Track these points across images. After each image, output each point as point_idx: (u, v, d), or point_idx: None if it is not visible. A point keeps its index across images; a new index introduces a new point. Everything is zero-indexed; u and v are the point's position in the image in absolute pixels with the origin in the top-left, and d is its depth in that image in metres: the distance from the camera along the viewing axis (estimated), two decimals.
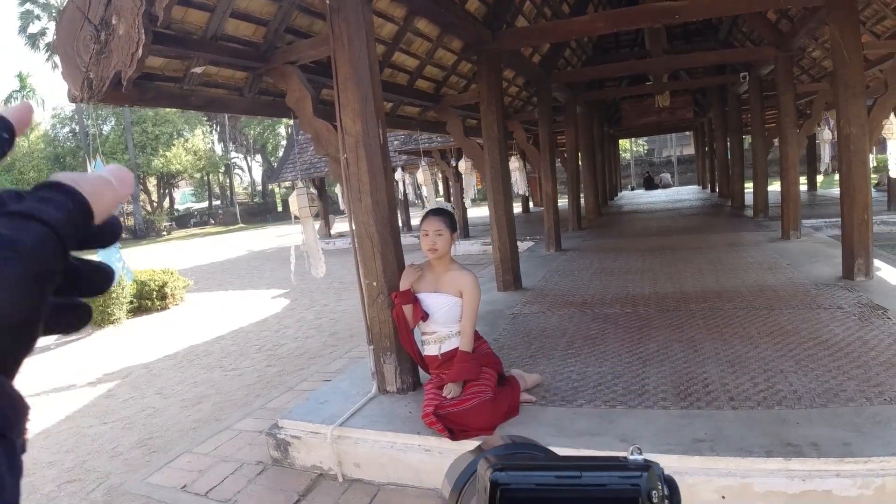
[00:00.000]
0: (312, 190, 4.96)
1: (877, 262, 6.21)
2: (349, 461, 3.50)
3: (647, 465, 0.42)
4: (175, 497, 3.63)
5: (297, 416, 3.79)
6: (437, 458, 3.24)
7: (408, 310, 3.55)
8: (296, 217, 4.80)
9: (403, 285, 3.60)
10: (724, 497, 2.86)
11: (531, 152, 10.13)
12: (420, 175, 7.55)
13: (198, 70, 3.75)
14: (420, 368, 3.85)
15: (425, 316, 3.53)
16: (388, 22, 5.43)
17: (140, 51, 2.90)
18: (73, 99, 3.50)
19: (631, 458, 0.43)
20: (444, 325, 3.53)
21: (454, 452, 3.22)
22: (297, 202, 4.70)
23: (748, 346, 4.33)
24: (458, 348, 3.47)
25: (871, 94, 8.30)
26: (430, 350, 3.57)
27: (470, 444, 3.18)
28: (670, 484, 0.43)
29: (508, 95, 10.15)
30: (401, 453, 3.34)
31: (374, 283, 3.77)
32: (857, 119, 5.70)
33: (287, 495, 3.42)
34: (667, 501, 0.42)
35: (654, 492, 0.41)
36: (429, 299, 3.55)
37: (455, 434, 3.18)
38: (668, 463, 2.92)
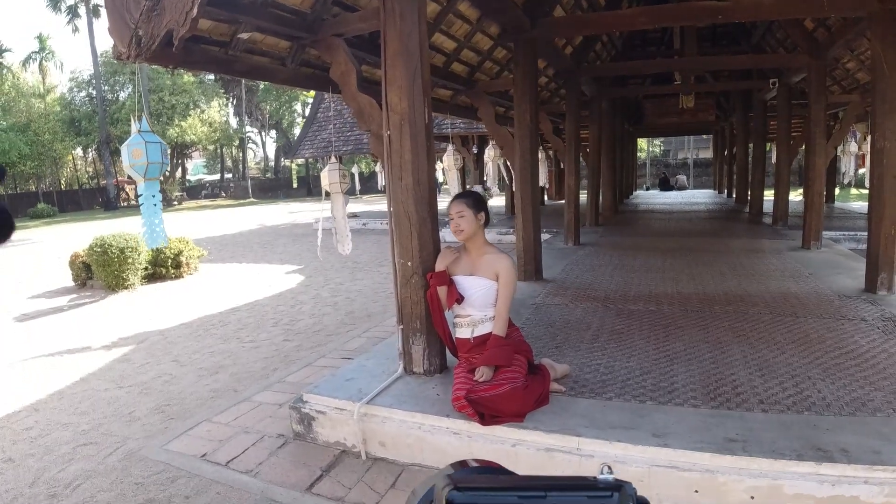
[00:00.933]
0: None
1: None
2: (374, 439, 3.49)
3: (619, 485, 0.39)
4: (195, 465, 3.62)
5: (322, 391, 3.79)
6: (465, 441, 3.24)
7: (442, 291, 3.54)
8: (326, 192, 4.79)
9: (439, 266, 3.58)
10: (752, 497, 2.85)
11: (557, 144, 10.05)
12: (446, 160, 7.51)
13: (244, 36, 3.71)
14: (448, 352, 3.84)
15: (460, 298, 3.52)
16: (431, 1, 5.38)
17: (195, 9, 2.87)
18: (118, 56, 3.47)
19: (601, 477, 0.40)
20: (479, 308, 3.51)
21: (483, 437, 3.22)
22: (328, 177, 4.68)
23: (775, 351, 4.31)
24: (490, 333, 3.45)
25: None
26: (462, 333, 3.56)
27: (499, 431, 3.20)
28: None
29: (538, 85, 10.09)
30: (428, 435, 3.33)
31: (409, 263, 3.75)
32: (893, 134, 5.64)
33: (310, 470, 3.42)
34: None
35: None
36: (465, 282, 3.53)
37: (485, 419, 3.17)
38: (701, 461, 2.92)
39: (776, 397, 3.50)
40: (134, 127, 3.35)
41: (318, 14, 4.06)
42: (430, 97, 3.62)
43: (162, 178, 3.47)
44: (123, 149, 3.36)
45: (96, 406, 4.82)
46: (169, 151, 3.38)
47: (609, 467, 0.41)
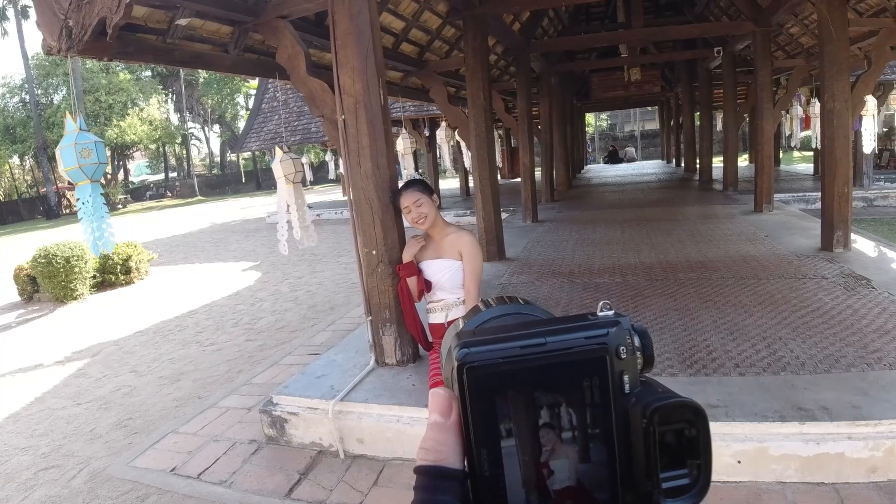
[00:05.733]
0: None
1: (852, 235, 6.31)
2: (351, 437, 3.37)
3: (615, 321, 0.41)
4: (165, 481, 3.45)
5: (293, 391, 3.64)
6: None
7: (412, 282, 3.42)
8: (282, 184, 4.56)
9: (406, 257, 3.46)
10: (739, 462, 2.85)
11: (509, 122, 9.97)
12: (400, 143, 7.33)
13: (182, 22, 3.49)
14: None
15: (428, 285, 3.40)
16: None
17: None
18: (48, 50, 3.23)
19: (601, 314, 0.42)
20: (450, 291, 3.40)
21: None
22: (284, 167, 4.46)
23: (743, 314, 4.35)
24: None
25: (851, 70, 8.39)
26: (436, 318, 3.44)
27: None
28: (642, 334, 0.42)
29: (489, 64, 9.96)
30: (408, 427, 3.23)
31: (374, 252, 3.61)
32: (842, 95, 5.76)
33: (287, 474, 3.29)
34: (638, 353, 0.41)
35: (621, 347, 0.40)
36: (432, 266, 3.41)
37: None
38: None
39: (751, 360, 3.52)
40: (70, 126, 3.10)
41: None
42: (384, 78, 3.48)
43: (103, 179, 3.24)
44: (66, 150, 3.09)
45: (55, 426, 4.59)
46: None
47: (608, 304, 0.43)
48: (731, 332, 3.99)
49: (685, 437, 0.40)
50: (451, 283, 3.40)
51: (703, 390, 3.15)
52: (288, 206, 4.54)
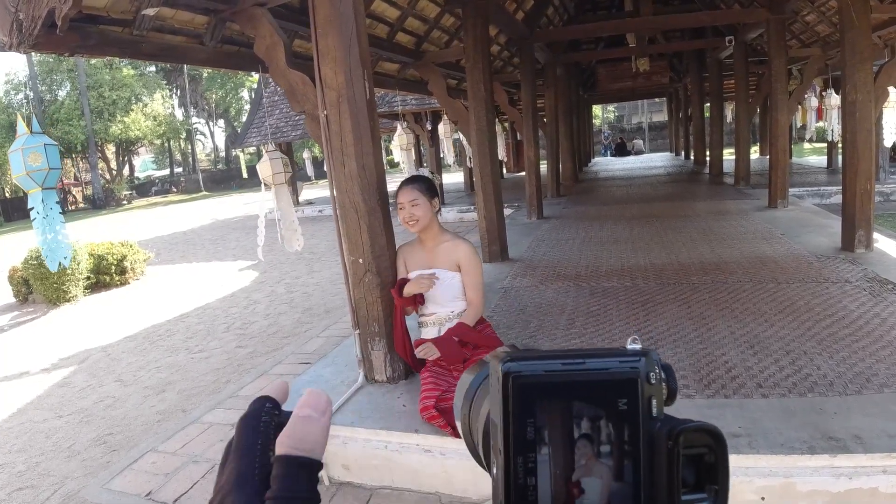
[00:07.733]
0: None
1: (874, 234, 5.97)
2: (336, 463, 3.09)
3: (646, 352, 0.41)
4: None
5: None
6: (438, 459, 2.85)
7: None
8: (266, 185, 4.28)
9: (401, 272, 3.19)
10: (763, 498, 2.56)
11: (513, 115, 9.63)
12: (398, 139, 7.03)
13: (150, 12, 3.19)
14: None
15: (421, 300, 3.12)
16: None
17: None
18: (1, 47, 2.95)
19: (629, 346, 0.42)
20: (443, 304, 3.12)
21: (457, 452, 2.83)
22: (269, 167, 4.17)
23: (763, 324, 4.04)
24: None
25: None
26: (428, 333, 3.17)
27: None
28: (667, 369, 0.42)
29: (490, 54, 9.62)
30: (396, 454, 2.94)
31: (361, 261, 3.32)
32: (864, 86, 5.41)
33: None
34: (664, 384, 0.41)
35: (651, 374, 0.40)
36: None
37: (458, 430, 2.78)
38: None
39: (774, 378, 3.21)
40: (22, 129, 2.82)
41: None
42: (370, 69, 3.17)
43: (59, 184, 2.97)
44: (14, 156, 2.81)
45: (34, 441, 4.39)
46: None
47: (636, 338, 0.43)
48: (752, 346, 3.67)
49: (704, 463, 0.40)
50: (444, 296, 3.12)
51: (723, 415, 2.84)
52: (278, 207, 4.26)
